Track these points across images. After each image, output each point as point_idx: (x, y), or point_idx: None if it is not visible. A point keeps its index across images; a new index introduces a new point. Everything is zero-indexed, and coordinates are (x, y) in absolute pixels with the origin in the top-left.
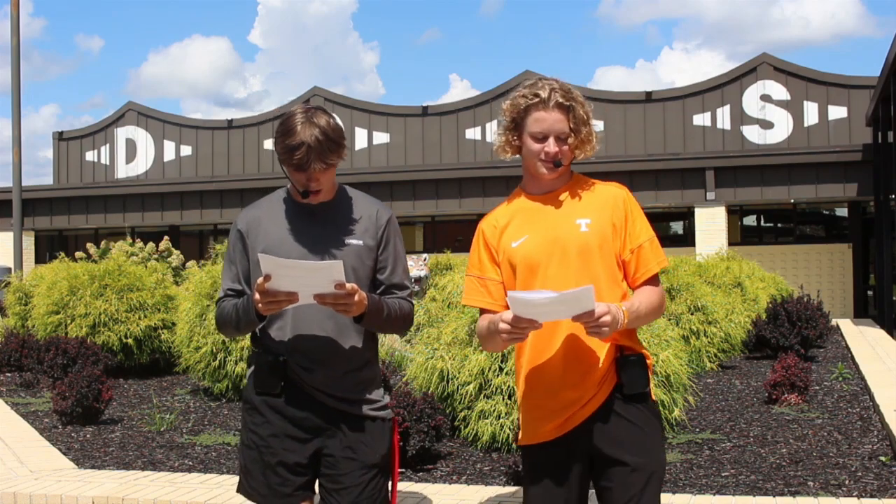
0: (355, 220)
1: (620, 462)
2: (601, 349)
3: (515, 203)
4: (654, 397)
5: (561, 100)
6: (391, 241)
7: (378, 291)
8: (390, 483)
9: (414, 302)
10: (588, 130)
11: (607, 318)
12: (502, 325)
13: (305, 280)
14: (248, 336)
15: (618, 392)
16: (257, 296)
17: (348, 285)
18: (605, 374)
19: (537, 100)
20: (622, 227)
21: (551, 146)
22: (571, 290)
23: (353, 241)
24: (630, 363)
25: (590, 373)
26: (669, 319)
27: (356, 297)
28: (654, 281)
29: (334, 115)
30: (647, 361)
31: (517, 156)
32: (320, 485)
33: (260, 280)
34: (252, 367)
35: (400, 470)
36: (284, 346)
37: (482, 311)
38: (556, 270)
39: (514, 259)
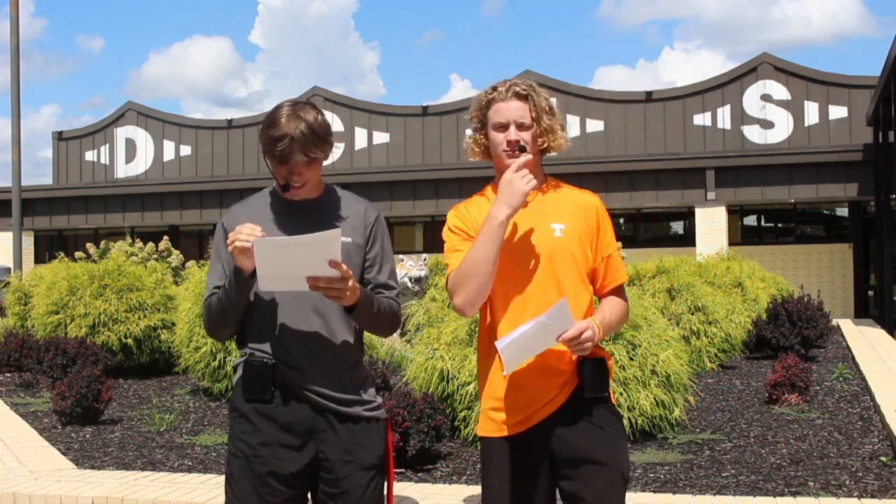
0: (343, 217)
1: (582, 461)
2: (564, 350)
3: (487, 199)
4: (613, 400)
5: (518, 90)
6: (379, 240)
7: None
8: (386, 484)
9: (400, 302)
10: (552, 121)
11: (589, 334)
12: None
13: (300, 259)
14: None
15: (578, 394)
16: (230, 241)
17: (343, 267)
18: (568, 376)
19: (495, 93)
20: (594, 235)
21: (512, 133)
22: (552, 310)
23: (343, 238)
24: (591, 366)
25: (553, 372)
26: (670, 319)
27: (350, 283)
28: (619, 291)
29: (323, 111)
30: (608, 364)
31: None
32: (319, 491)
33: (236, 229)
34: (239, 373)
35: (400, 470)
36: (271, 347)
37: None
38: (523, 272)
39: None
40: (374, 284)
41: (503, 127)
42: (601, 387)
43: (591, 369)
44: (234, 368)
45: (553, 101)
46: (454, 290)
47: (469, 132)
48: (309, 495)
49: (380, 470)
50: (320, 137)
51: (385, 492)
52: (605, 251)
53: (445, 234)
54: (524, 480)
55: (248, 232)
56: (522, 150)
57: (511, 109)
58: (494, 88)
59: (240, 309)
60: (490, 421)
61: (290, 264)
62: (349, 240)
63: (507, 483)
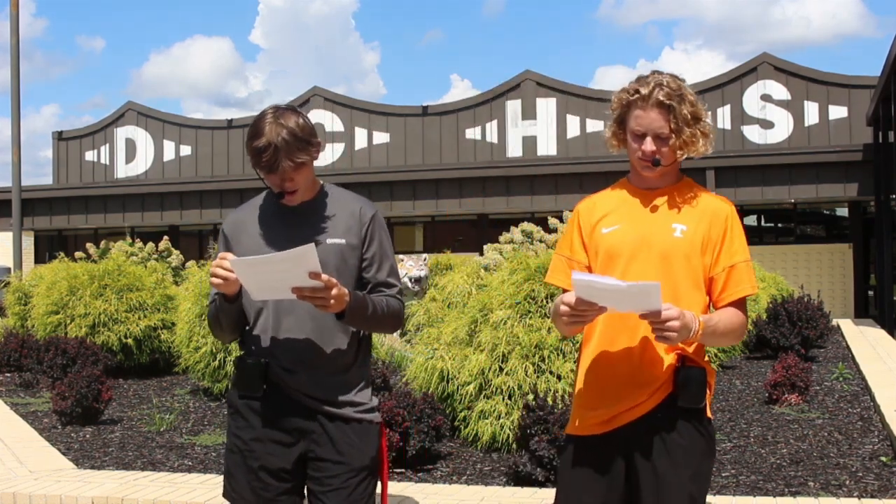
0: (337, 218)
1: (653, 473)
2: (666, 355)
3: (618, 192)
4: (709, 415)
5: (662, 98)
6: (376, 238)
7: (366, 291)
8: (379, 487)
9: (403, 299)
10: (692, 132)
11: (675, 324)
12: (563, 308)
13: (280, 274)
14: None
15: (670, 402)
16: (215, 270)
17: (324, 277)
18: (662, 382)
19: (637, 96)
20: (718, 242)
21: (648, 145)
22: (638, 283)
23: (335, 240)
24: (689, 375)
25: (647, 376)
26: None
27: (334, 291)
28: (740, 304)
29: (305, 114)
30: (709, 379)
31: (623, 149)
32: (308, 489)
33: (218, 258)
34: (235, 370)
35: (400, 470)
36: (267, 347)
37: (564, 292)
38: (637, 267)
39: (600, 245)
40: (373, 283)
41: (640, 137)
42: (695, 397)
43: (686, 377)
44: (234, 365)
45: (702, 107)
46: (552, 318)
47: (608, 124)
48: (306, 490)
49: (371, 472)
50: (304, 141)
51: (378, 493)
52: (729, 260)
53: (568, 227)
54: (599, 481)
55: (223, 266)
56: (657, 164)
57: (650, 120)
58: (637, 90)
59: (232, 320)
60: (576, 418)
61: (271, 278)
62: (343, 241)
63: (582, 480)
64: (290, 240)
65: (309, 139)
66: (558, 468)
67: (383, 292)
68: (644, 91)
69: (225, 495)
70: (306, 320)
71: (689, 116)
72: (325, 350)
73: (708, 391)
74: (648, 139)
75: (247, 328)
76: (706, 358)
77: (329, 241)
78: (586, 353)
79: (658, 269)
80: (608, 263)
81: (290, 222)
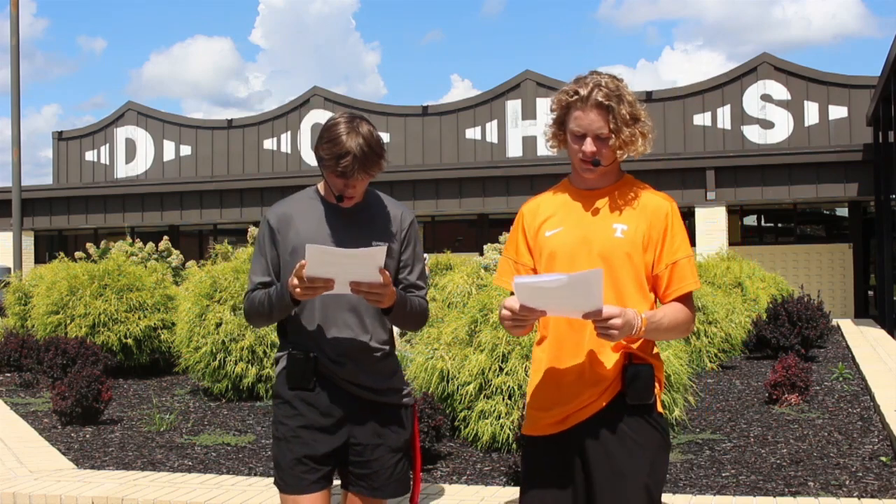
0: (384, 222)
1: (610, 469)
2: (613, 354)
3: (560, 194)
4: (660, 410)
5: (601, 98)
6: (412, 243)
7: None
8: (412, 465)
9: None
10: (631, 132)
11: (617, 321)
12: (504, 312)
13: (345, 268)
14: (250, 337)
15: (620, 400)
16: (295, 281)
17: (387, 275)
18: (611, 380)
19: (577, 97)
20: (659, 240)
21: (588, 146)
22: (580, 273)
23: (379, 244)
24: (636, 372)
25: (597, 375)
26: None
27: (389, 288)
28: (685, 299)
29: (374, 126)
30: (657, 374)
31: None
32: (347, 472)
33: (298, 265)
34: (282, 364)
35: None
36: (313, 341)
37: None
38: (579, 269)
39: (544, 248)
40: (405, 284)
41: (580, 137)
42: (644, 394)
43: (634, 375)
44: (276, 360)
45: (640, 107)
46: (500, 322)
47: (548, 125)
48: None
49: (406, 453)
50: (378, 154)
51: (411, 473)
52: (671, 257)
53: (513, 229)
54: (558, 481)
55: (320, 284)
56: (597, 164)
57: (590, 121)
58: (576, 91)
59: (285, 316)
60: (531, 420)
61: (336, 270)
62: (387, 244)
63: (542, 481)
64: (348, 239)
65: (381, 153)
66: (521, 467)
67: (413, 293)
68: (583, 92)
69: (276, 483)
70: (350, 314)
71: (628, 117)
72: (368, 341)
73: (657, 386)
74: (588, 140)
75: (291, 323)
76: (655, 351)
77: (378, 242)
78: (537, 354)
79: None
80: (551, 266)
81: (346, 222)
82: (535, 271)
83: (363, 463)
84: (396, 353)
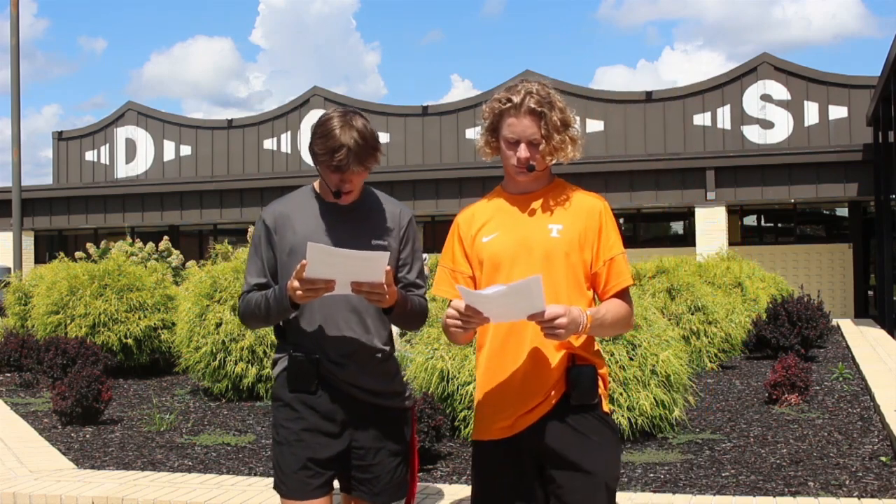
0: (382, 220)
1: (567, 468)
2: (555, 355)
3: (494, 200)
4: (605, 408)
5: (533, 105)
6: (411, 242)
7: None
8: (409, 468)
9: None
10: (561, 138)
11: (563, 321)
12: (450, 312)
13: (346, 269)
14: (250, 337)
15: (566, 401)
16: (295, 283)
17: (390, 276)
18: (556, 382)
19: (510, 105)
20: (595, 238)
21: (522, 152)
22: (519, 282)
23: (378, 241)
24: (579, 373)
25: (541, 377)
26: (669, 319)
27: (391, 288)
28: (623, 294)
29: (369, 120)
30: (600, 372)
31: (497, 157)
32: (349, 477)
33: (300, 265)
34: (282, 366)
35: None
36: (314, 342)
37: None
38: (519, 271)
39: (482, 255)
40: (405, 283)
41: (514, 143)
42: (588, 394)
43: (578, 376)
44: (274, 362)
45: (570, 114)
46: (443, 330)
47: (480, 131)
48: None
49: (405, 455)
50: (373, 147)
51: (408, 475)
52: (607, 254)
53: (449, 238)
54: (511, 485)
55: (321, 284)
56: (531, 169)
57: (523, 127)
58: (509, 99)
59: (283, 319)
60: (480, 424)
61: (337, 271)
62: (386, 242)
63: (494, 486)
64: (346, 237)
65: (376, 146)
66: (472, 473)
67: (413, 292)
68: (516, 99)
69: (276, 488)
70: (351, 314)
71: (559, 123)
72: (369, 343)
73: (601, 384)
74: (522, 146)
75: (291, 324)
76: (596, 349)
77: (373, 241)
78: (480, 361)
79: (540, 271)
80: (492, 271)
81: (344, 220)
82: (472, 279)
83: (365, 467)
84: (396, 353)
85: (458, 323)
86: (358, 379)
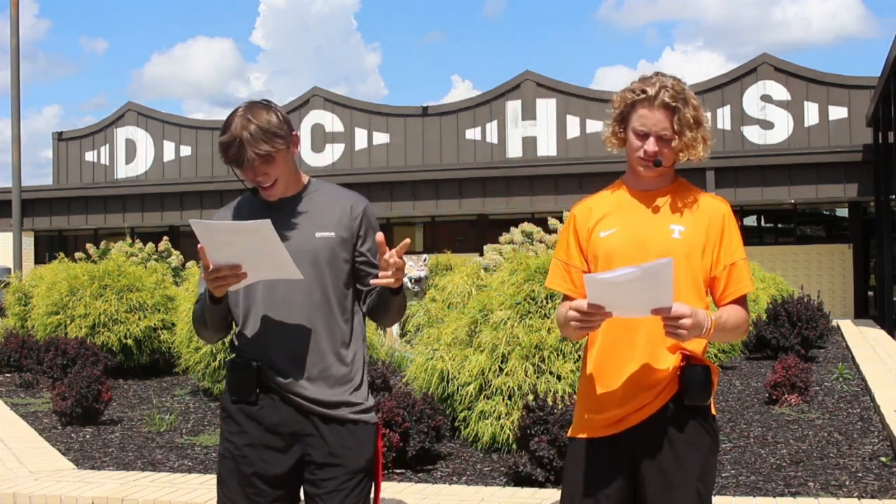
0: (325, 211)
1: (661, 472)
2: (669, 355)
3: (615, 194)
4: (713, 412)
5: (667, 99)
6: (371, 235)
7: (368, 288)
8: (373, 489)
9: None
10: (694, 135)
11: (687, 322)
12: (571, 314)
13: (243, 247)
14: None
15: (676, 402)
16: (203, 272)
17: (393, 251)
18: (668, 382)
19: (643, 96)
20: (717, 242)
21: (651, 145)
22: (650, 263)
23: (324, 234)
24: (694, 373)
25: (653, 377)
26: None
27: (400, 273)
28: (742, 301)
29: (278, 110)
30: (713, 376)
31: (622, 149)
32: (305, 492)
33: (199, 246)
34: (227, 374)
35: (400, 470)
36: (258, 349)
37: (564, 297)
38: None
39: (598, 250)
40: (372, 277)
41: (643, 136)
42: (701, 395)
43: (693, 376)
44: (226, 368)
45: (703, 111)
46: (558, 328)
47: (607, 122)
48: (301, 494)
49: (367, 474)
50: (270, 132)
51: (371, 497)
52: (729, 259)
53: (564, 230)
54: (607, 483)
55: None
56: (658, 164)
57: (655, 120)
58: (644, 90)
59: (218, 319)
60: (582, 422)
61: (235, 250)
62: (332, 234)
63: (590, 483)
64: (279, 234)
65: (276, 131)
66: (564, 469)
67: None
68: (650, 91)
69: (219, 503)
70: (298, 319)
71: (692, 120)
72: (318, 350)
73: (711, 388)
74: (651, 139)
75: (236, 329)
76: (705, 353)
77: (318, 234)
78: (590, 357)
79: None
80: (607, 267)
81: (277, 216)
82: (586, 273)
83: (317, 483)
84: (396, 354)
85: (579, 324)
86: (303, 389)
